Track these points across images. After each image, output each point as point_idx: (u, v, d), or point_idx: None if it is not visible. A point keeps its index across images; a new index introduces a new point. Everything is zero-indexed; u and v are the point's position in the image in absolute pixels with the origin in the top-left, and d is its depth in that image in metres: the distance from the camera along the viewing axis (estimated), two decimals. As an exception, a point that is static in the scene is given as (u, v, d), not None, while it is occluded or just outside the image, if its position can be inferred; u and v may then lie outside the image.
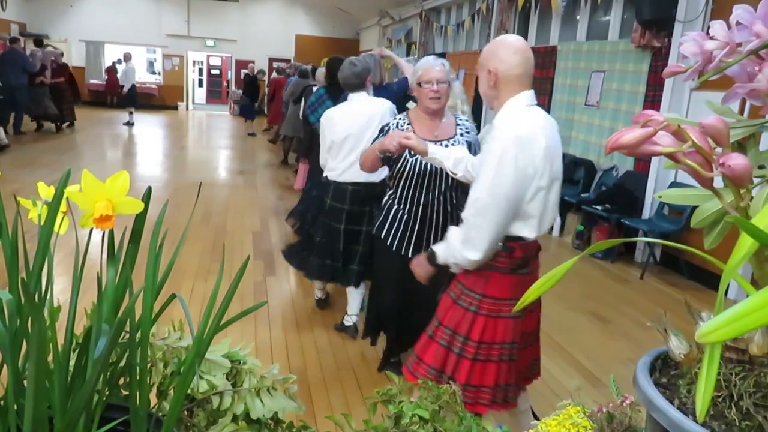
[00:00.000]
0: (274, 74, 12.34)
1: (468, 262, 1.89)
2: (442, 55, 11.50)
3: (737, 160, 0.52)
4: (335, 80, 4.14)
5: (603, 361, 3.40)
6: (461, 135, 2.65)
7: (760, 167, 0.69)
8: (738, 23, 0.68)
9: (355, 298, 3.56)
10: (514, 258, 1.93)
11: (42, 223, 0.68)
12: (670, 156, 0.58)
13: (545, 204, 1.87)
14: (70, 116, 12.11)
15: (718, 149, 0.61)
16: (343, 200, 3.37)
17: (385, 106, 3.31)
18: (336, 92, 4.17)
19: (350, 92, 3.43)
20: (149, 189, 0.70)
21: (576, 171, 6.72)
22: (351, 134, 3.29)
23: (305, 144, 6.35)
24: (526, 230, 1.89)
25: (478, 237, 1.83)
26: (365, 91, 3.42)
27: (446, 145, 2.48)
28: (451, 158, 2.20)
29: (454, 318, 1.98)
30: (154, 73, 19.43)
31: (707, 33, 0.71)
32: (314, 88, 5.46)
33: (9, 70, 9.66)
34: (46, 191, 0.72)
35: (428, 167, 2.53)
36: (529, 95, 1.89)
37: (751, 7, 0.67)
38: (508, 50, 1.88)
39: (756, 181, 0.64)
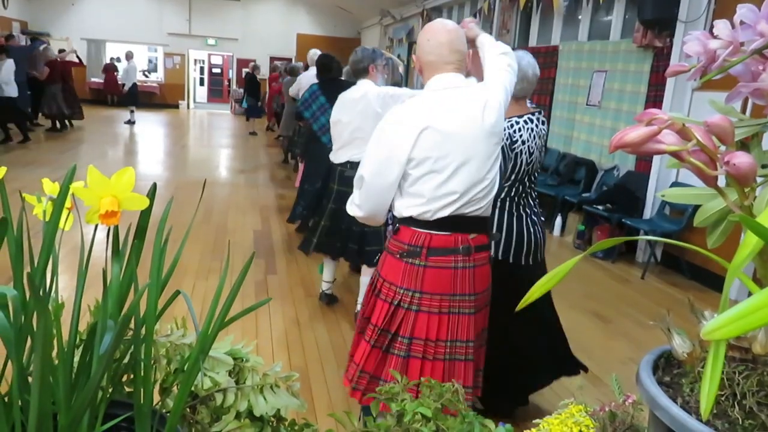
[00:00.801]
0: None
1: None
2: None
3: (742, 159, 0.52)
4: (327, 76, 4.50)
5: (604, 361, 3.40)
6: None
7: (763, 166, 0.70)
8: (742, 22, 0.68)
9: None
10: (401, 241, 1.89)
11: (47, 220, 0.68)
12: (675, 154, 0.58)
13: (441, 187, 1.80)
14: (79, 113, 12.16)
15: (722, 148, 0.61)
16: (333, 180, 3.67)
17: (369, 91, 3.38)
18: (329, 88, 4.38)
19: (357, 80, 3.59)
20: (154, 185, 0.70)
21: (577, 171, 6.72)
22: (340, 120, 3.51)
23: (303, 141, 6.39)
24: (414, 211, 1.84)
25: (357, 198, 1.91)
26: (368, 78, 3.51)
27: None
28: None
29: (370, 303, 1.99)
30: (146, 73, 19.36)
31: (711, 32, 0.71)
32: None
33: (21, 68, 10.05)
34: (51, 188, 0.72)
35: None
36: (446, 78, 1.85)
37: (755, 6, 0.67)
38: (424, 36, 1.91)
39: (759, 180, 0.64)
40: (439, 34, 1.89)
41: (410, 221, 1.87)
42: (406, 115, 1.83)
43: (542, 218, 2.53)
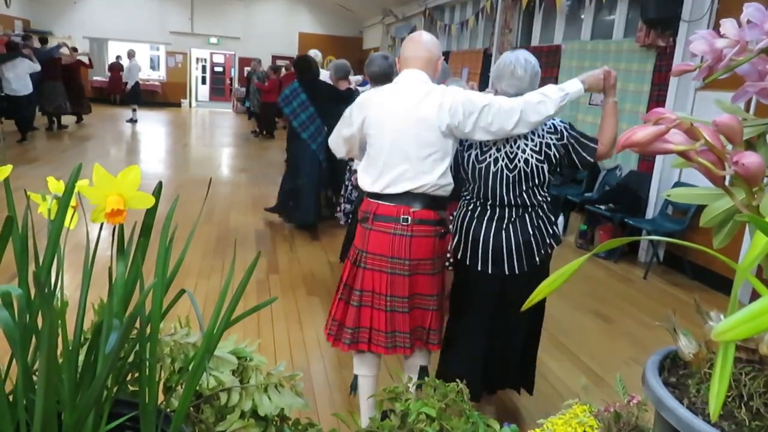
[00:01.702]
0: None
1: None
2: (446, 54, 11.49)
3: (751, 159, 0.52)
4: (306, 75, 5.07)
5: (606, 361, 3.40)
6: None
7: (771, 166, 0.69)
8: (749, 21, 0.67)
9: None
10: (362, 210, 2.29)
11: (52, 218, 0.68)
12: (682, 154, 0.58)
13: (377, 159, 2.20)
14: (87, 107, 12.30)
15: (728, 147, 0.60)
16: None
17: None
18: (310, 87, 4.90)
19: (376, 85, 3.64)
20: (160, 184, 0.70)
21: (579, 170, 6.71)
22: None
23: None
24: (368, 186, 2.25)
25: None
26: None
27: None
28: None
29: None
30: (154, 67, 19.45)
31: (716, 31, 0.71)
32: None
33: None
34: (56, 186, 0.72)
35: None
36: (402, 75, 2.26)
37: (761, 5, 0.67)
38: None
39: (767, 180, 0.64)
40: (408, 40, 2.31)
41: (367, 194, 2.27)
42: (362, 99, 2.32)
43: (543, 233, 2.35)
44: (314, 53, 6.26)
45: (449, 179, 2.22)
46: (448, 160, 2.19)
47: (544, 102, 2.13)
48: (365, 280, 2.22)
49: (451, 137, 2.17)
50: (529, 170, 2.24)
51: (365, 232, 2.23)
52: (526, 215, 2.30)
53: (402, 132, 2.14)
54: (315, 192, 5.43)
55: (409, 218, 2.17)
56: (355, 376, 2.48)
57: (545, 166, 2.25)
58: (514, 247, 2.29)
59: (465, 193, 2.40)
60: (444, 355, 2.46)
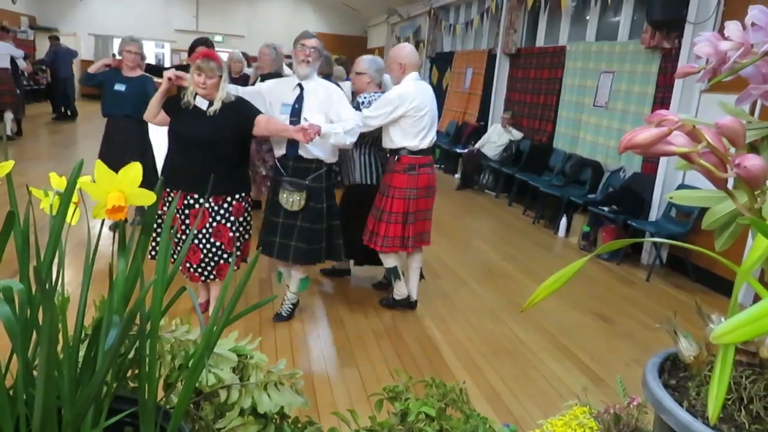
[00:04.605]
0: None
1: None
2: (450, 54, 11.48)
3: (753, 161, 0.52)
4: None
5: (607, 363, 3.39)
6: None
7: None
8: (753, 24, 0.67)
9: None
10: (406, 162, 3.66)
11: (54, 214, 0.68)
12: (685, 156, 0.58)
13: (422, 128, 3.67)
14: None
15: (731, 150, 0.60)
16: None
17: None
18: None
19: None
20: (161, 181, 0.70)
21: (583, 172, 6.70)
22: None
23: None
24: (413, 142, 3.66)
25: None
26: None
27: None
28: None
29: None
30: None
31: (721, 33, 0.70)
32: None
33: (63, 64, 12.23)
34: (58, 182, 0.73)
35: None
36: (411, 76, 3.73)
37: (766, 8, 0.66)
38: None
39: (769, 183, 0.63)
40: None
41: (412, 151, 3.67)
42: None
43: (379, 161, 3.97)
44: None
45: None
46: None
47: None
48: (420, 204, 3.74)
49: None
50: None
51: (416, 177, 3.66)
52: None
53: (432, 111, 3.72)
54: None
55: (434, 163, 3.80)
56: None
57: None
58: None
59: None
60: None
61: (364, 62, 3.88)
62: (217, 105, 3.13)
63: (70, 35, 16.44)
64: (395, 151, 3.67)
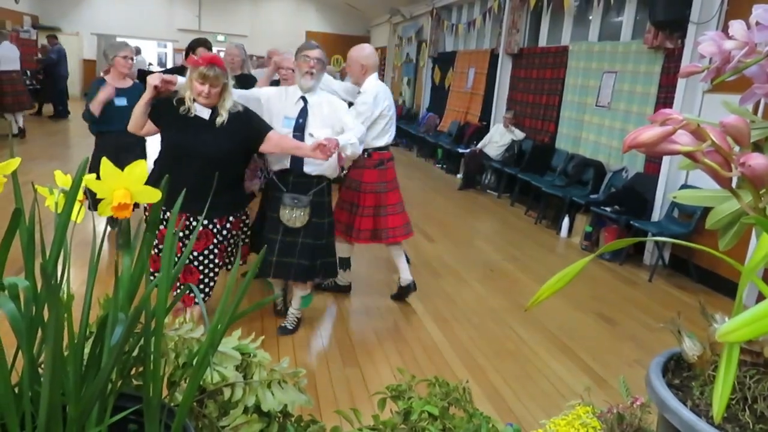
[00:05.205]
0: None
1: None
2: (453, 54, 11.48)
3: (758, 160, 0.52)
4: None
5: (609, 363, 3.39)
6: None
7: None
8: (758, 23, 0.67)
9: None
10: (377, 158, 3.77)
11: (59, 212, 0.69)
12: (689, 155, 0.58)
13: (389, 126, 3.82)
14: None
15: (736, 149, 0.60)
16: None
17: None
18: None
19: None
20: (167, 178, 0.70)
21: (585, 172, 6.69)
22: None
23: None
24: (383, 139, 3.78)
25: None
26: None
27: None
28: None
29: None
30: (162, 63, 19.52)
31: (724, 33, 0.70)
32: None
33: (65, 62, 12.63)
34: (63, 180, 0.73)
35: None
36: (375, 76, 3.86)
37: (771, 7, 0.66)
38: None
39: (774, 182, 0.63)
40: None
41: (380, 147, 3.81)
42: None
43: None
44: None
45: None
46: None
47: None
48: (390, 198, 3.85)
49: None
50: None
51: (385, 171, 3.81)
52: None
53: (394, 108, 3.88)
54: None
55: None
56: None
57: None
58: None
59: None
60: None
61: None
62: (224, 116, 2.83)
63: (72, 35, 16.48)
64: (365, 149, 3.65)
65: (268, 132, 2.99)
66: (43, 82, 12.54)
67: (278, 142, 3.02)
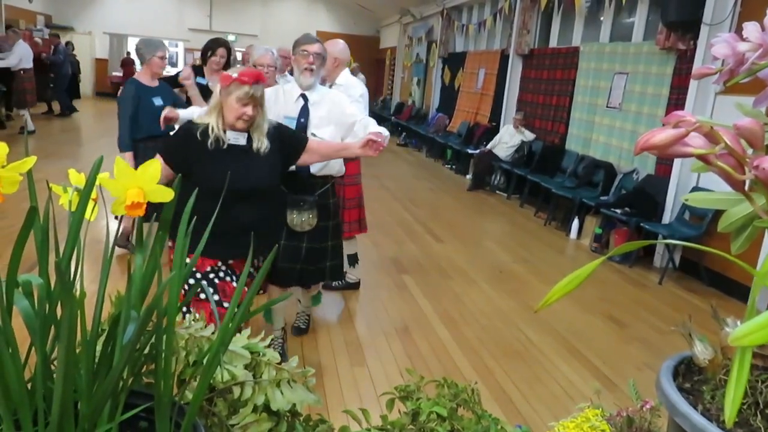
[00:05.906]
0: None
1: None
2: (463, 55, 11.46)
3: (772, 164, 0.51)
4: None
5: (619, 366, 3.37)
6: None
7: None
8: (772, 25, 0.67)
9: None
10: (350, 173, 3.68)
11: (73, 210, 0.69)
12: (702, 158, 0.57)
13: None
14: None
15: (749, 152, 0.60)
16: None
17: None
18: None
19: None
20: (179, 177, 0.71)
21: (596, 173, 6.66)
22: None
23: None
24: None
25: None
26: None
27: None
28: None
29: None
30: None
31: (738, 34, 0.70)
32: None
33: (67, 62, 12.76)
34: (77, 178, 0.74)
35: None
36: (348, 71, 3.83)
37: (786, 9, 0.66)
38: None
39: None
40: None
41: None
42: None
43: None
44: None
45: None
46: None
47: None
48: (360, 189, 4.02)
49: None
50: None
51: (358, 163, 3.89)
52: None
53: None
54: None
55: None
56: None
57: None
58: None
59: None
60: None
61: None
62: (263, 140, 2.40)
63: (85, 34, 16.63)
64: None
65: (308, 142, 2.65)
66: (54, 81, 12.70)
67: (318, 149, 2.66)
